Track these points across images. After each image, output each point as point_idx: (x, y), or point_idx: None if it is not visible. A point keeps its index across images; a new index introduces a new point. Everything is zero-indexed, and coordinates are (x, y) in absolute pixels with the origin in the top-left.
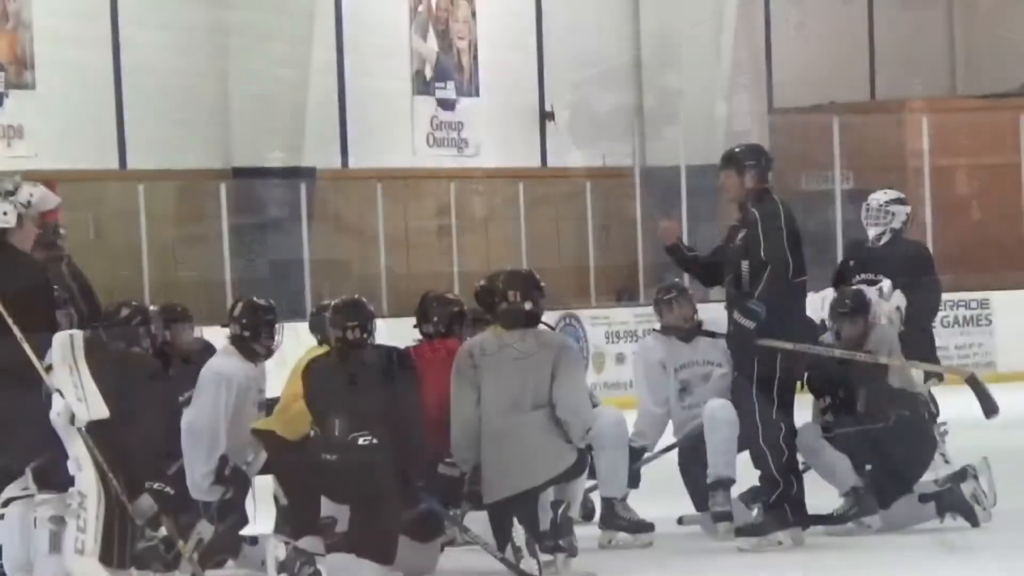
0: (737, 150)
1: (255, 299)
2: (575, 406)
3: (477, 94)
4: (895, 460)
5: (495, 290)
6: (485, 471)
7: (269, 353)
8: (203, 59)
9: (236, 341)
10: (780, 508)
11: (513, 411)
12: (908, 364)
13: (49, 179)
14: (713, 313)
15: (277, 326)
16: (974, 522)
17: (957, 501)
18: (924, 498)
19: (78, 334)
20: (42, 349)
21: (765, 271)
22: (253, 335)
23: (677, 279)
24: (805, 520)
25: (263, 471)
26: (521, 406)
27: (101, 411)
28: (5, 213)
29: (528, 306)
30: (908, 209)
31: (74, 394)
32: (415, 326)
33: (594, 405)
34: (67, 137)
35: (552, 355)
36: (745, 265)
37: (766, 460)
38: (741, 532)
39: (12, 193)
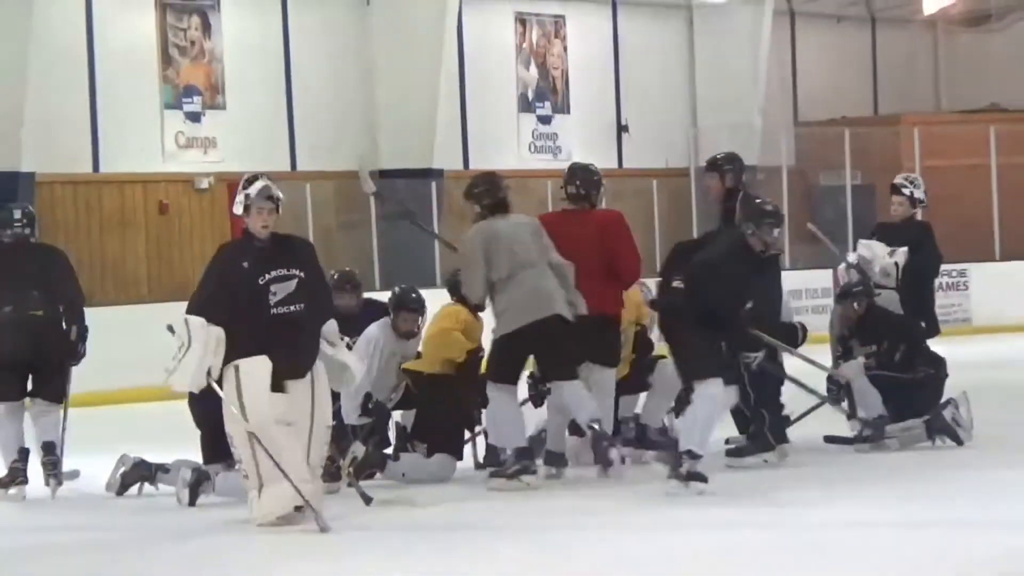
0: (718, 157)
1: (411, 295)
2: None
3: (568, 112)
4: (913, 405)
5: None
6: None
7: (411, 335)
8: (355, 84)
9: (393, 321)
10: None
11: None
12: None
13: (234, 179)
14: None
15: (420, 319)
16: (958, 442)
17: (944, 426)
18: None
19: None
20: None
21: None
22: (401, 322)
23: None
24: (784, 439)
25: (400, 406)
26: None
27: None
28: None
29: None
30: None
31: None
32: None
33: None
34: (249, 146)
35: None
36: None
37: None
38: (731, 453)
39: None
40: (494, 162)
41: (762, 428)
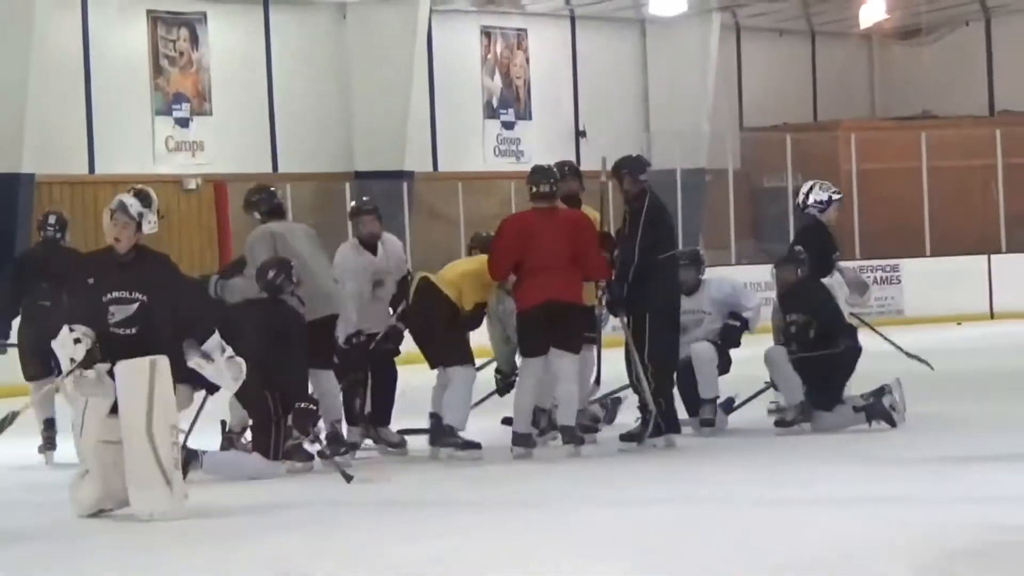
0: (618, 161)
1: (364, 201)
2: None
3: (530, 118)
4: (838, 379)
5: None
6: None
7: (375, 238)
8: (333, 92)
9: (355, 230)
10: (656, 422)
11: None
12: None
13: (220, 181)
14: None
15: (378, 220)
16: (892, 425)
17: (880, 410)
18: (857, 408)
19: None
20: None
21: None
22: (363, 225)
23: (696, 248)
24: (677, 429)
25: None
26: None
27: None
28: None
29: None
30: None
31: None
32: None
33: None
34: (233, 149)
35: None
36: None
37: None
38: (623, 438)
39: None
40: (462, 164)
41: (656, 416)
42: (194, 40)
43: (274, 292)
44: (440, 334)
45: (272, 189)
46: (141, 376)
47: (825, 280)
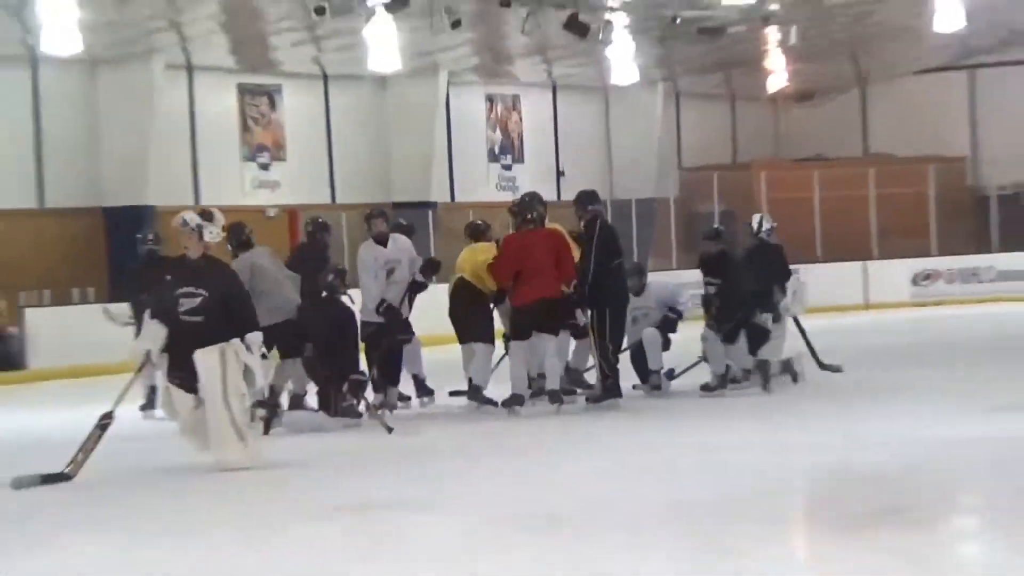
0: (576, 195)
1: (376, 209)
2: None
3: (523, 161)
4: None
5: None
6: None
7: (385, 237)
8: (375, 143)
9: (370, 231)
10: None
11: None
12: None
13: (293, 209)
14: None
15: (385, 220)
16: (796, 381)
17: (792, 370)
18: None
19: None
20: None
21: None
22: (375, 225)
23: (640, 262)
24: (619, 395)
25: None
26: None
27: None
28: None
29: None
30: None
31: None
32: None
33: None
34: (302, 186)
35: None
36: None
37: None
38: (589, 400)
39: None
40: (473, 196)
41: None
42: (272, 105)
43: (332, 292)
44: (472, 318)
45: (240, 224)
46: (213, 360)
47: (788, 284)
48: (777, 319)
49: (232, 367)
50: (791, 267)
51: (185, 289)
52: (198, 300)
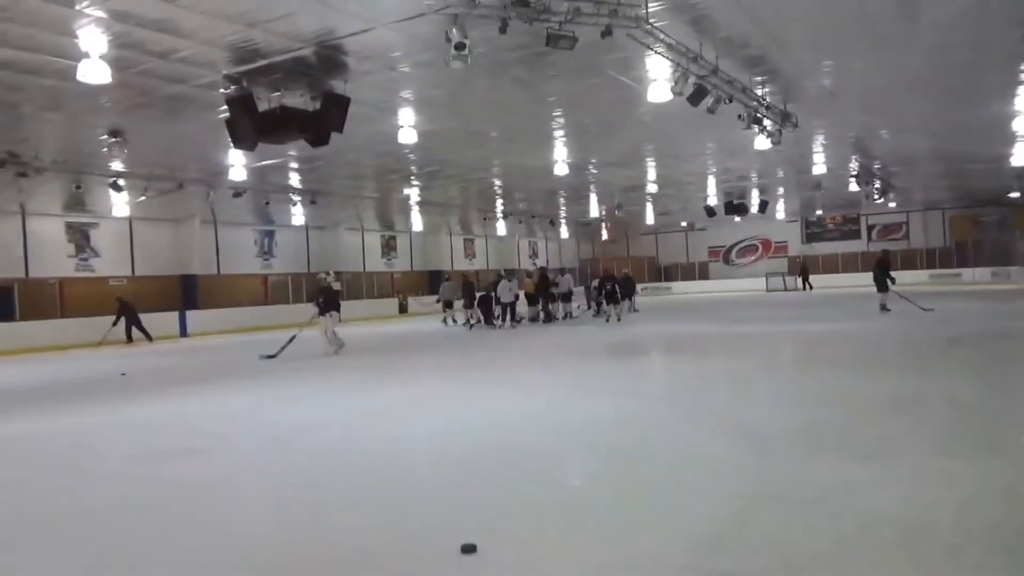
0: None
1: (503, 279)
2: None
3: None
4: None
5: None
6: None
7: (508, 285)
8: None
9: (507, 280)
10: (549, 317)
11: None
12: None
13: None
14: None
15: (509, 280)
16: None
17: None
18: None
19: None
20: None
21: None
22: (508, 279)
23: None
24: (552, 321)
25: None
26: None
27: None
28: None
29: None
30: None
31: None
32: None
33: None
34: None
35: None
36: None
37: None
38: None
39: None
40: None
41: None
42: None
43: (490, 288)
44: (528, 299)
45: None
46: (325, 319)
47: None
48: None
49: (331, 320)
50: None
51: (321, 300)
52: (320, 297)
